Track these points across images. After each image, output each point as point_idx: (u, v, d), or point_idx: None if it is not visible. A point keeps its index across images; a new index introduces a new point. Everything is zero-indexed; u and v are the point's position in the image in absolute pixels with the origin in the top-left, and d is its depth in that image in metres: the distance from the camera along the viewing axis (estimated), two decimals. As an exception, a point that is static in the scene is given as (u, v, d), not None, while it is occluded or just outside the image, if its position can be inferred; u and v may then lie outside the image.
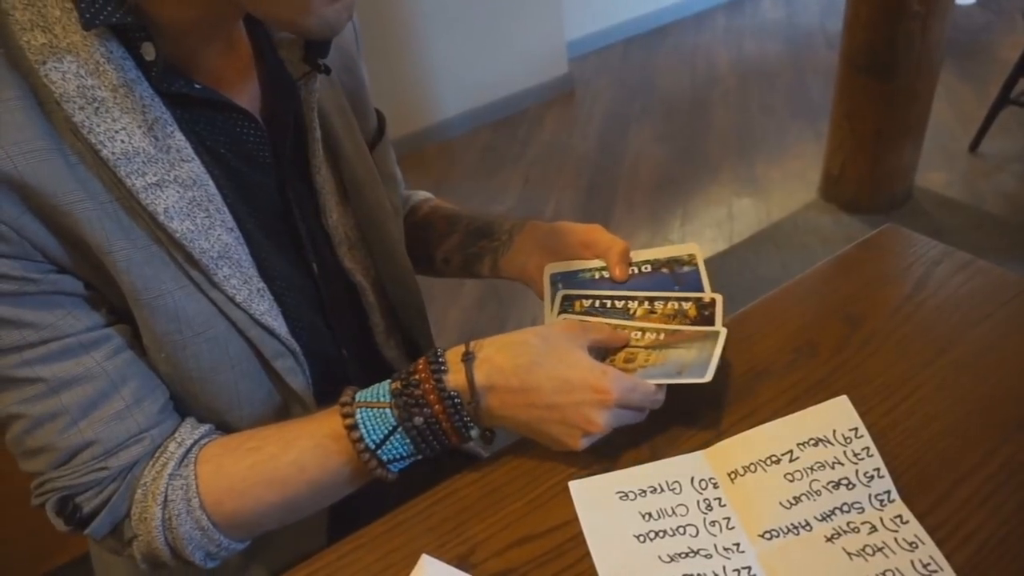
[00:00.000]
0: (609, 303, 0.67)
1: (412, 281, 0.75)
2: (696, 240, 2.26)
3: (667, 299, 0.66)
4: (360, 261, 0.69)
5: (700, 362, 0.58)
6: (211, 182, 0.53)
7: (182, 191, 0.51)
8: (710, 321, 0.64)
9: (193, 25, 0.51)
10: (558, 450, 0.58)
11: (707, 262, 0.71)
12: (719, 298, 0.65)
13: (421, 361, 0.56)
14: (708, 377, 0.56)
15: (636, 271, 0.71)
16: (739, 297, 0.75)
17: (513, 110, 3.12)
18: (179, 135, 0.51)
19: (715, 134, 2.84)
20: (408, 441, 0.54)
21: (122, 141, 0.48)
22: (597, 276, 0.71)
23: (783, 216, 2.33)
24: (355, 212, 0.68)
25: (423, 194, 0.88)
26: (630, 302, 0.67)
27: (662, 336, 0.63)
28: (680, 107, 3.04)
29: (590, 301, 0.68)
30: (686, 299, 0.65)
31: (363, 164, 0.67)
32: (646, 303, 0.66)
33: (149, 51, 0.48)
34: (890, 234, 0.80)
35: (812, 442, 0.55)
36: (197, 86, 0.52)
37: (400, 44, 2.76)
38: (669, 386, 0.58)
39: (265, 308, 0.56)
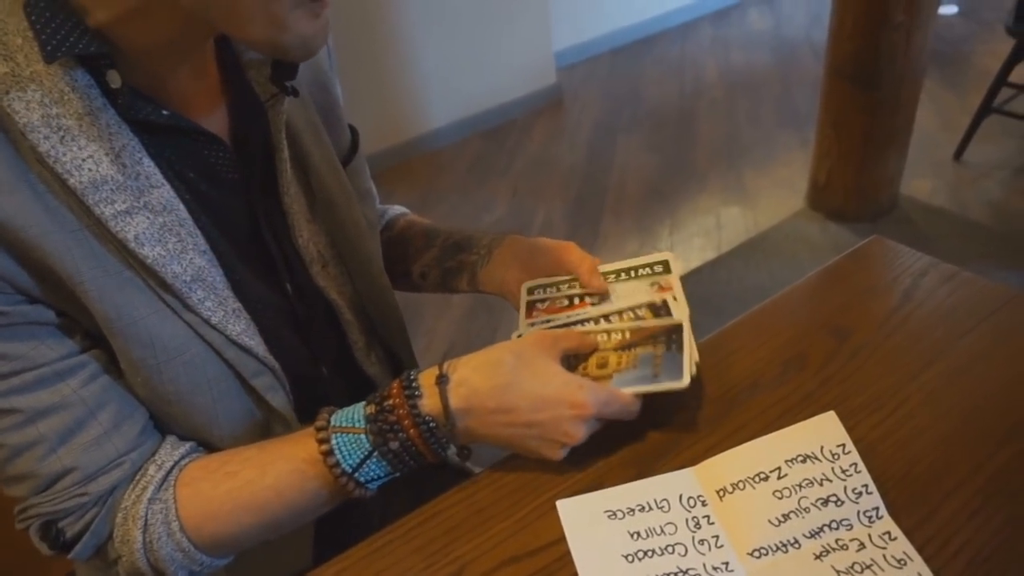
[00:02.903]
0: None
1: (390, 296, 0.74)
2: (685, 249, 2.27)
3: (620, 311, 0.67)
4: (334, 279, 0.68)
5: (672, 361, 0.59)
6: (182, 206, 0.52)
7: (152, 217, 0.50)
8: (668, 315, 0.65)
9: (160, 49, 0.50)
10: (535, 459, 0.58)
11: (696, 272, 0.71)
12: (670, 295, 0.66)
13: (395, 385, 0.56)
14: (685, 381, 0.57)
15: (613, 277, 0.71)
16: (728, 306, 0.75)
17: (501, 120, 3.13)
18: (147, 161, 0.50)
19: (703, 144, 2.85)
20: (385, 463, 0.55)
21: (89, 169, 0.47)
22: (575, 290, 0.71)
23: (771, 225, 2.34)
24: (328, 230, 0.67)
25: (398, 208, 0.88)
26: (586, 323, 0.67)
27: (628, 335, 0.63)
28: (668, 117, 3.06)
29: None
30: (638, 306, 0.66)
31: (336, 181, 0.67)
32: (602, 320, 0.66)
33: (115, 79, 0.47)
34: (876, 246, 0.80)
35: (800, 459, 0.54)
36: (164, 112, 0.52)
37: (388, 54, 2.76)
38: (650, 394, 0.59)
39: (242, 328, 0.56)
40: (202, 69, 0.56)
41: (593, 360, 0.62)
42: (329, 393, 0.69)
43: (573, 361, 0.62)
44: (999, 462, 0.56)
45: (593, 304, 0.69)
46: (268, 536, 0.58)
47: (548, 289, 0.72)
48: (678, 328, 0.62)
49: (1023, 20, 2.25)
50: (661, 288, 0.68)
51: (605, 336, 0.64)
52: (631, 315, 0.66)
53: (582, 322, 0.67)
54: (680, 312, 0.65)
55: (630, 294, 0.69)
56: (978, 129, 2.45)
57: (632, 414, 0.58)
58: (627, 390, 0.58)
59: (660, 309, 0.65)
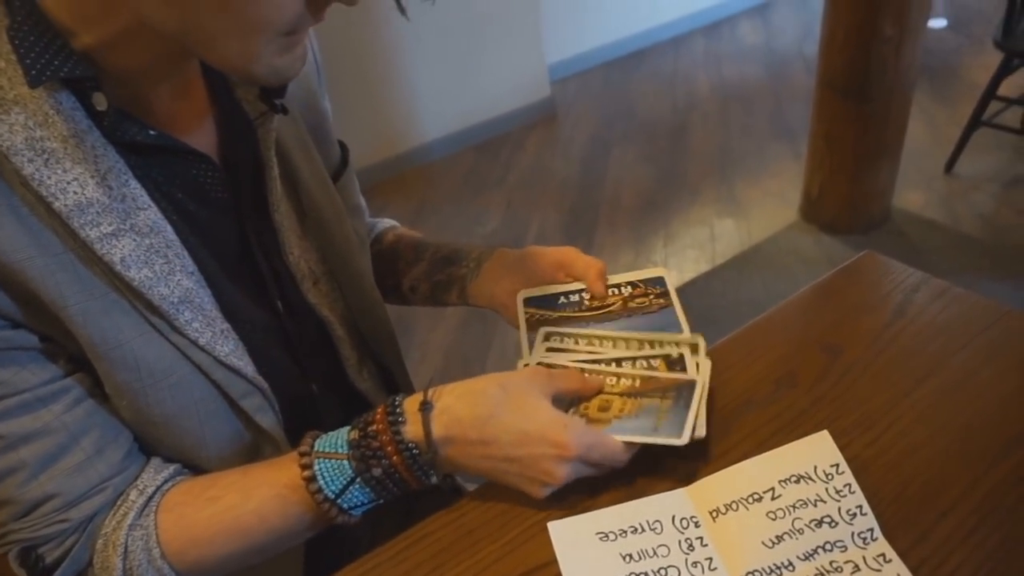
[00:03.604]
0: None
1: (382, 311, 0.74)
2: (679, 261, 2.27)
3: (634, 359, 0.64)
4: (326, 295, 0.68)
5: (677, 417, 0.57)
6: (169, 228, 0.52)
7: (139, 239, 0.50)
8: (682, 370, 0.62)
9: (145, 70, 0.50)
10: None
11: (690, 284, 0.71)
12: (687, 352, 0.64)
13: (379, 410, 0.55)
14: (684, 440, 0.55)
15: (613, 292, 0.71)
16: (722, 319, 0.75)
17: (495, 133, 3.13)
18: (134, 183, 0.50)
19: (696, 156, 2.86)
20: (368, 490, 0.54)
21: (75, 192, 0.47)
22: (574, 298, 0.70)
23: (764, 237, 2.35)
24: (319, 246, 0.67)
25: (387, 222, 0.88)
26: (598, 364, 0.64)
27: (637, 383, 0.61)
28: (661, 129, 3.07)
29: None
30: (654, 356, 0.64)
31: (326, 197, 0.66)
32: (613, 364, 0.64)
33: (100, 101, 0.47)
34: (868, 261, 0.80)
35: (794, 479, 0.54)
36: (151, 132, 0.51)
37: (382, 67, 2.77)
38: (645, 446, 0.57)
39: (230, 349, 0.56)
40: (189, 88, 0.56)
41: (596, 401, 0.60)
42: (320, 411, 0.68)
43: (573, 402, 0.60)
44: (994, 480, 0.55)
45: (605, 343, 0.67)
46: (251, 561, 0.57)
47: (545, 300, 0.71)
48: (690, 385, 0.60)
49: (1011, 34, 2.27)
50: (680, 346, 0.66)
51: (614, 380, 0.62)
52: (644, 364, 0.64)
53: (595, 362, 0.64)
54: (695, 368, 0.62)
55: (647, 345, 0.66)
56: (968, 142, 2.46)
57: (619, 463, 0.56)
58: (621, 438, 0.56)
59: (675, 363, 0.63)
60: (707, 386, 0.61)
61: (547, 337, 0.68)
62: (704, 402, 0.59)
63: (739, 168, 2.74)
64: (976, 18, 3.64)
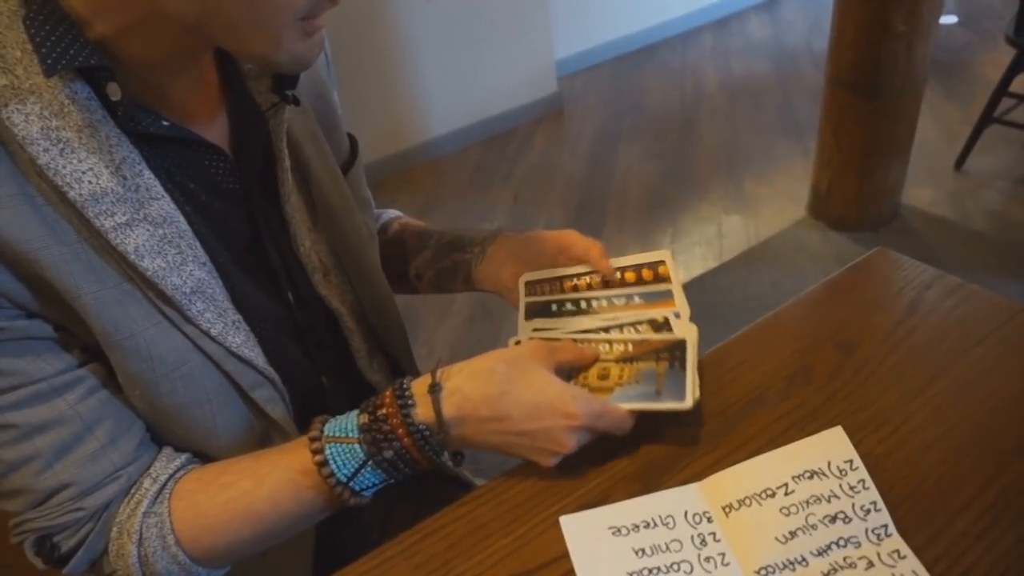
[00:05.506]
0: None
1: (391, 303, 0.74)
2: (687, 257, 2.26)
3: (622, 326, 0.66)
4: (336, 287, 0.68)
5: (675, 380, 0.58)
6: (182, 218, 0.52)
7: (152, 229, 0.50)
8: (668, 331, 0.64)
9: (159, 60, 0.50)
10: (533, 468, 0.58)
11: (698, 280, 0.71)
12: (671, 315, 0.66)
13: (388, 393, 0.56)
14: (688, 403, 0.56)
15: (617, 276, 0.71)
16: (730, 315, 0.75)
17: (503, 128, 3.13)
18: (147, 173, 0.50)
19: (704, 152, 2.85)
20: (379, 471, 0.54)
21: (89, 182, 0.47)
22: (577, 282, 0.71)
23: (772, 234, 2.34)
24: (329, 238, 0.67)
25: (393, 212, 0.88)
26: (588, 333, 0.66)
27: (631, 347, 0.63)
28: (669, 125, 3.06)
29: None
30: (639, 322, 0.66)
31: (336, 190, 0.67)
32: (602, 332, 0.66)
33: (115, 91, 0.47)
34: (880, 258, 0.80)
35: (807, 475, 0.54)
36: (164, 123, 0.52)
37: (390, 62, 2.76)
38: (651, 412, 0.58)
39: (241, 340, 0.56)
40: (202, 79, 0.56)
41: (594, 370, 0.62)
42: (329, 402, 0.69)
43: (573, 371, 0.62)
44: (1008, 478, 0.55)
45: (596, 303, 0.68)
46: (265, 545, 0.58)
47: (549, 284, 0.71)
48: (681, 345, 0.61)
49: (1024, 30, 2.25)
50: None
51: (607, 346, 0.63)
52: (632, 330, 0.65)
53: (584, 332, 0.66)
54: (683, 329, 0.64)
55: (632, 311, 0.68)
56: (979, 139, 2.45)
57: (624, 431, 0.58)
58: (627, 406, 0.58)
59: (661, 326, 0.65)
60: (696, 344, 0.62)
61: (529, 310, 0.70)
62: (696, 361, 0.61)
63: (747, 164, 2.73)
64: (987, 13, 3.62)
